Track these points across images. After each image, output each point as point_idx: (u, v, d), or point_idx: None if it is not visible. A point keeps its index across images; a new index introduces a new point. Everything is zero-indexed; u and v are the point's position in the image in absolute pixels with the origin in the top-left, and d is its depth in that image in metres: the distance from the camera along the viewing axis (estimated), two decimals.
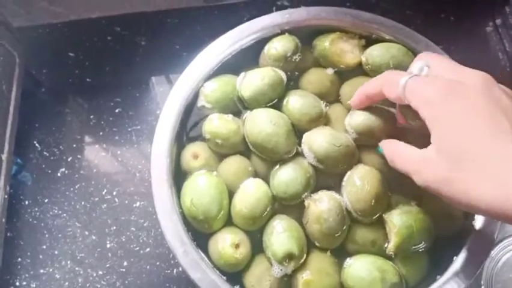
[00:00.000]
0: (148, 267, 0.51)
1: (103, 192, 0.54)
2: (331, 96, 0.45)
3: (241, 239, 0.39)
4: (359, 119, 0.41)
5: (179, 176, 0.42)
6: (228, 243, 0.38)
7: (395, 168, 0.35)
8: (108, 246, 0.52)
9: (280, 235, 0.38)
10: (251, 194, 0.40)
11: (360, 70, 0.46)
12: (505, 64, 0.61)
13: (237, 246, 0.39)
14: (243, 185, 0.41)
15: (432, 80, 0.33)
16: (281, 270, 0.38)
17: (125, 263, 0.51)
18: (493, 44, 0.62)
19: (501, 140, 0.29)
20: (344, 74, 0.46)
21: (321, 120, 0.43)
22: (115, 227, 0.53)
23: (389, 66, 0.43)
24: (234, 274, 0.39)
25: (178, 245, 0.38)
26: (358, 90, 0.40)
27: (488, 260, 0.52)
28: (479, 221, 0.39)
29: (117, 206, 0.53)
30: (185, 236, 0.39)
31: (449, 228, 0.40)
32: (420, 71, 0.34)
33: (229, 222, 0.41)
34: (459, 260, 0.38)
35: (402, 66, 0.43)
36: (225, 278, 0.38)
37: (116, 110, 0.57)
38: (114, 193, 0.54)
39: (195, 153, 0.42)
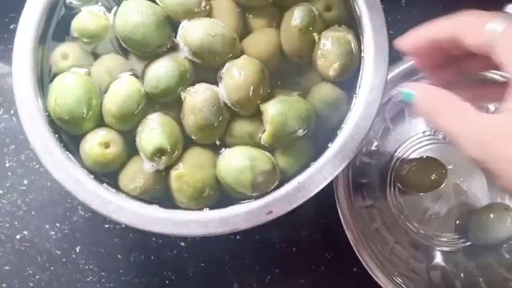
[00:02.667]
0: (49, 184, 0.50)
1: (0, 112, 0.52)
2: None
3: (112, 138, 0.37)
4: None
5: (48, 80, 0.40)
6: (95, 142, 0.37)
7: (436, 127, 0.28)
8: (7, 165, 0.50)
9: (152, 131, 0.37)
10: (121, 91, 0.37)
11: None
12: None
13: (106, 145, 0.37)
14: (114, 83, 0.38)
15: None
16: (153, 166, 0.36)
17: (25, 181, 0.50)
18: None
19: None
20: None
21: (201, 12, 0.40)
22: (13, 146, 0.51)
23: None
24: (108, 176, 0.38)
25: (41, 147, 0.36)
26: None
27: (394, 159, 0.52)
28: (358, 107, 0.37)
29: (16, 125, 0.51)
30: (50, 138, 0.37)
31: (332, 118, 0.39)
32: None
33: (102, 123, 0.38)
34: (333, 147, 0.36)
35: None
36: (92, 176, 0.37)
37: None
38: (11, 112, 0.51)
39: (64, 53, 0.39)
